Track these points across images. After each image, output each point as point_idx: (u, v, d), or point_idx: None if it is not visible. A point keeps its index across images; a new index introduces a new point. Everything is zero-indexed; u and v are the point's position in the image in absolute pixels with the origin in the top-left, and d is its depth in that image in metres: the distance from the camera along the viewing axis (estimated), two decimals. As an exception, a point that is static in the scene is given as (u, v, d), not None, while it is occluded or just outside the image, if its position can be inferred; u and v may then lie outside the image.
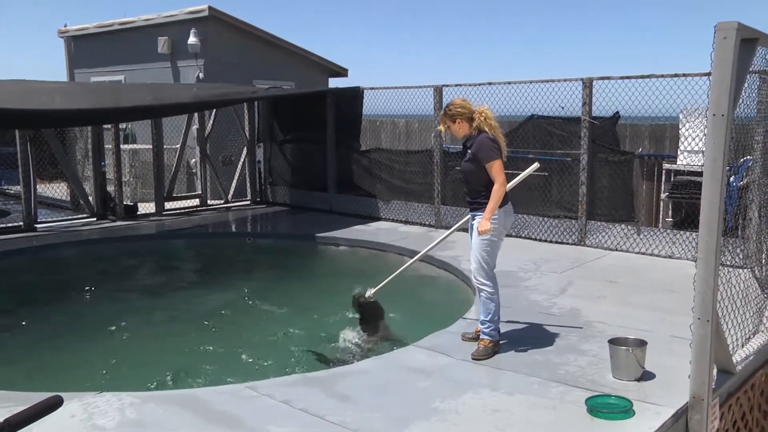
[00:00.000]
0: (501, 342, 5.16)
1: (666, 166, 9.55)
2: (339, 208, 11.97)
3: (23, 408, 1.86)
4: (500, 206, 4.98)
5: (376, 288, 6.39)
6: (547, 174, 9.53)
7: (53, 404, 1.95)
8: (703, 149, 4.02)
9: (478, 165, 4.97)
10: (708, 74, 7.62)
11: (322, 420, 4.01)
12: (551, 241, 9.29)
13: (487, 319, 5.06)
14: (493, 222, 4.94)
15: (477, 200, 5.09)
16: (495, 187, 4.90)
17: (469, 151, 5.04)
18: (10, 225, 10.56)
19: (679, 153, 9.34)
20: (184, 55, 14.67)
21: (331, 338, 6.17)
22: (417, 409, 4.17)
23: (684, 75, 7.75)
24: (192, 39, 14.15)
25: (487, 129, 5.02)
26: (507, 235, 9.57)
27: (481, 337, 5.10)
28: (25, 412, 1.87)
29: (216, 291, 7.89)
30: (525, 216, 9.64)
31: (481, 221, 4.94)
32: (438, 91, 10.10)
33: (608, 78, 8.62)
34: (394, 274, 6.40)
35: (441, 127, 5.29)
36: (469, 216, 5.30)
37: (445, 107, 5.24)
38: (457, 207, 10.00)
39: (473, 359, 4.92)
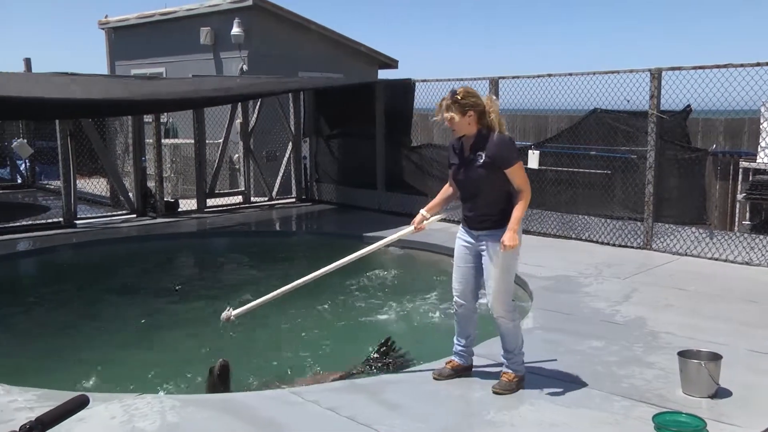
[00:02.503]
0: (561, 351, 5.08)
1: (743, 164, 9.28)
2: (388, 207, 12.00)
3: (52, 407, 2.00)
4: None
5: (243, 308, 5.05)
6: (609, 172, 9.39)
7: (80, 403, 2.09)
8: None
9: (495, 171, 4.39)
10: (793, 64, 7.42)
11: (370, 429, 4.03)
12: (614, 245, 9.13)
13: (512, 351, 4.60)
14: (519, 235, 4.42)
15: (489, 216, 4.47)
16: (524, 196, 4.41)
17: (481, 153, 4.41)
18: (50, 221, 10.90)
19: (759, 150, 9.07)
20: (227, 47, 14.93)
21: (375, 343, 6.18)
22: (469, 421, 4.16)
23: (768, 64, 7.54)
24: (235, 29, 14.38)
25: (503, 129, 4.46)
26: (565, 237, 9.48)
27: (505, 370, 4.63)
28: (55, 411, 2.00)
29: (257, 291, 7.98)
30: (586, 217, 9.52)
31: (510, 234, 4.33)
32: (494, 83, 10.03)
33: (679, 68, 8.43)
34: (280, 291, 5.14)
35: (445, 115, 4.44)
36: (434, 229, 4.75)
37: (452, 94, 4.43)
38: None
39: (494, 392, 4.51)
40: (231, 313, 4.94)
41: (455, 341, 4.84)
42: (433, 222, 4.98)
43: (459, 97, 4.40)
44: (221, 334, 6.59)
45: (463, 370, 4.80)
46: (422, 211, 4.94)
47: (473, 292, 4.66)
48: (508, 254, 4.42)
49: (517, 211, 4.39)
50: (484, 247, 4.51)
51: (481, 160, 4.42)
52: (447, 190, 4.86)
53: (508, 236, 4.35)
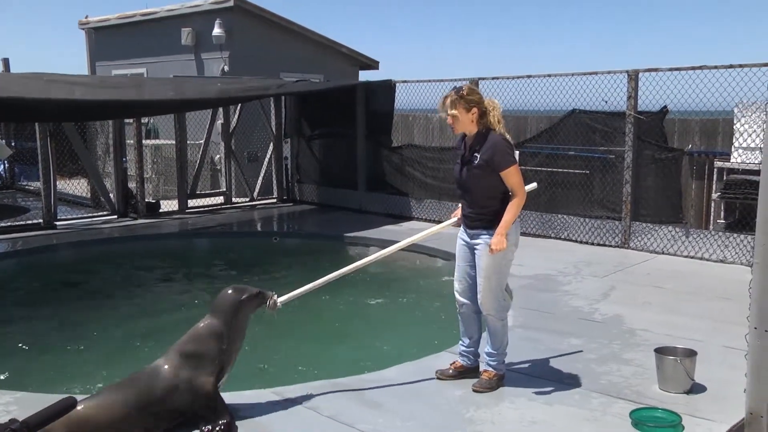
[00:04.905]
0: (541, 350, 5.11)
1: (718, 163, 9.39)
2: (369, 207, 12.00)
3: (38, 410, 1.96)
4: None
5: (289, 295, 4.55)
6: (588, 172, 9.46)
7: (67, 406, 2.04)
8: (761, 146, 3.94)
9: (490, 172, 4.39)
10: (767, 65, 7.51)
11: (352, 428, 4.03)
12: (593, 243, 9.20)
13: (497, 351, 4.61)
14: (508, 238, 4.38)
15: (482, 215, 4.48)
16: (516, 200, 4.37)
17: (477, 154, 4.42)
18: (30, 222, 10.78)
19: (733, 150, 9.19)
20: (208, 47, 14.84)
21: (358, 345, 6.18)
22: (451, 419, 4.17)
23: (740, 66, 7.62)
24: (217, 30, 14.31)
25: (501, 129, 4.46)
26: (545, 237, 9.53)
27: (485, 368, 4.66)
28: (41, 413, 1.96)
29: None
30: (565, 216, 9.57)
31: (497, 238, 4.33)
32: (474, 84, 10.06)
33: (656, 70, 8.52)
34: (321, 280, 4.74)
35: (450, 112, 4.44)
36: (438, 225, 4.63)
37: (458, 90, 4.46)
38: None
39: (474, 390, 4.53)
40: (276, 299, 4.41)
41: (460, 342, 4.82)
42: None
43: (464, 93, 4.42)
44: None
45: (468, 372, 4.74)
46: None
47: (474, 291, 4.59)
48: (499, 255, 4.40)
49: (508, 215, 4.37)
50: (477, 245, 4.51)
51: (477, 161, 4.43)
52: None
53: (495, 240, 4.36)
